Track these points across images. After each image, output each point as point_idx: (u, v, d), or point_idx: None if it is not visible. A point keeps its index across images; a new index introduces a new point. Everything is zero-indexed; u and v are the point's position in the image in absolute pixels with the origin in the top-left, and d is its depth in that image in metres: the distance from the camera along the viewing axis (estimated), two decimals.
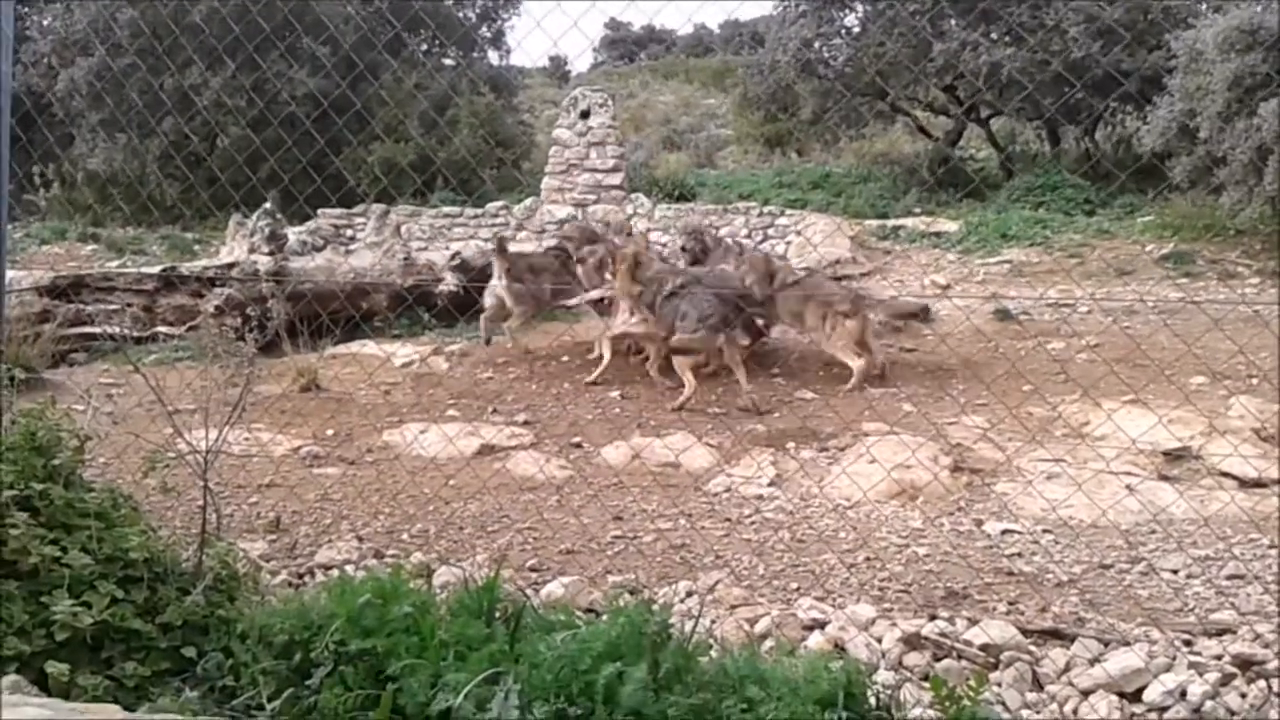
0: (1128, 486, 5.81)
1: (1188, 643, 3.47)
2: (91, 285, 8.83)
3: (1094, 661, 3.32)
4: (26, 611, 2.85)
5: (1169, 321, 9.15)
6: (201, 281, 8.90)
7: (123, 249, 14.20)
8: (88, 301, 8.69)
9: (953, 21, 17.47)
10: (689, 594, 3.78)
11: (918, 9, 16.86)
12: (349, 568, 3.99)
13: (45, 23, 19.34)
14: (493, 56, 22.33)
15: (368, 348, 8.61)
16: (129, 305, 8.76)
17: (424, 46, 20.79)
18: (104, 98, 16.77)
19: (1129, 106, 17.30)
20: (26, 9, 19.20)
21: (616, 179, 16.19)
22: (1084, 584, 4.23)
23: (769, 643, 3.35)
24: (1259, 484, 5.91)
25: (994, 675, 3.24)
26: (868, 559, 4.53)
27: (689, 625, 3.09)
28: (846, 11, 18.79)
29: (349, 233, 14.83)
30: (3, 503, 2.99)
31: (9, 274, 8.15)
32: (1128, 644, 3.39)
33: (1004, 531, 5.09)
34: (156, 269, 9.23)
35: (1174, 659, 3.34)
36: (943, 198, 17.03)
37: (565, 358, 9.19)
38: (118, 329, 8.51)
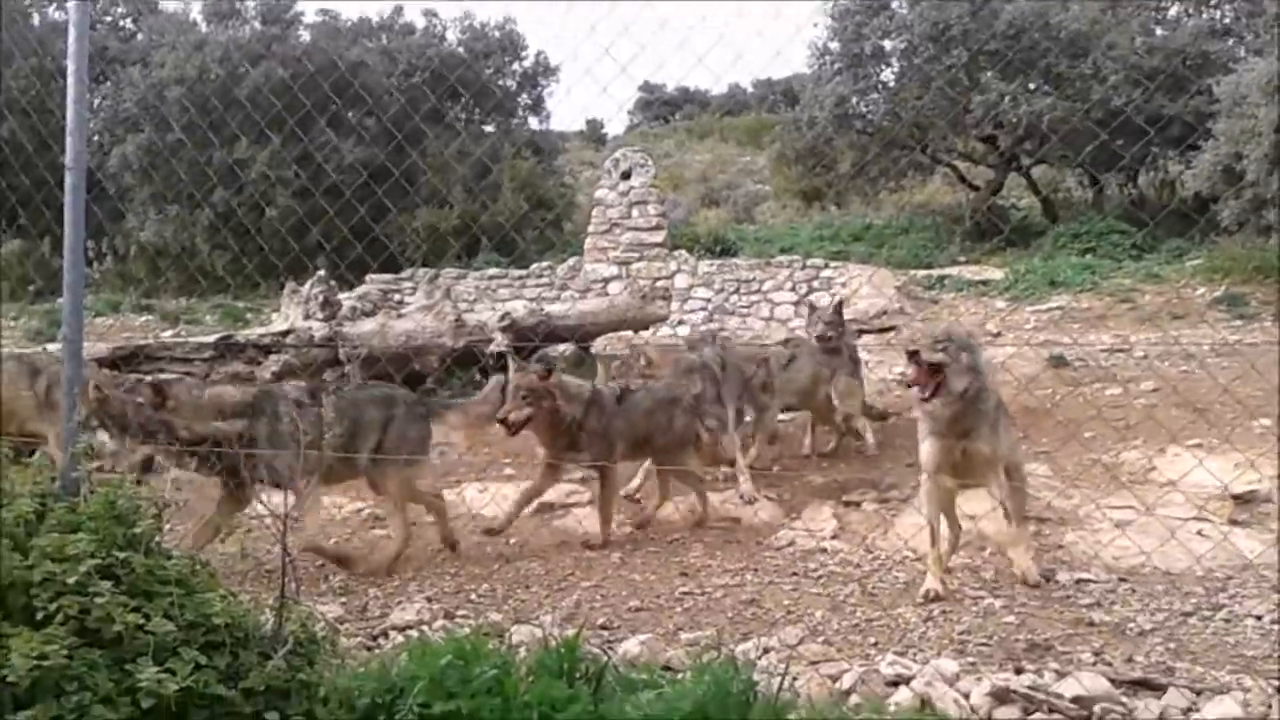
0: (1199, 532, 5.69)
1: None
2: (150, 355, 8.95)
3: (1188, 711, 3.22)
4: (111, 679, 2.86)
5: (1225, 365, 9.02)
6: (258, 349, 9.00)
7: (176, 319, 14.46)
8: (147, 371, 8.80)
9: (989, 73, 17.54)
10: (766, 650, 3.72)
11: (954, 63, 16.94)
12: (424, 629, 3.97)
13: (96, 102, 19.88)
14: (532, 122, 22.66)
15: None
16: (188, 374, 8.86)
17: (465, 114, 21.17)
18: (153, 172, 17.19)
19: (1171, 151, 17.22)
20: None
21: (659, 237, 16.32)
22: (1168, 631, 4.12)
23: (854, 699, 3.28)
24: None
25: None
26: (943, 611, 4.45)
27: (773, 682, 3.04)
28: (883, 67, 18.90)
29: (396, 297, 15.02)
30: (85, 572, 3.01)
31: (57, 349, 8.35)
32: (1222, 692, 3.29)
33: (1078, 581, 4.98)
34: (213, 337, 9.36)
35: (1270, 706, 3.24)
36: (986, 246, 16.99)
37: None
38: None
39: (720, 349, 7.40)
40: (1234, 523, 5.98)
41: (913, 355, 4.56)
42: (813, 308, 8.65)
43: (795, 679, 3.34)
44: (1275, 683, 3.41)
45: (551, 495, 6.38)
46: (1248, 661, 3.72)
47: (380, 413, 5.47)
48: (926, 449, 4.81)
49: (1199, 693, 3.31)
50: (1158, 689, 3.35)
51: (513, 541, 5.72)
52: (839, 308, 8.35)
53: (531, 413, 5.63)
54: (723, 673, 2.94)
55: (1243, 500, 6.22)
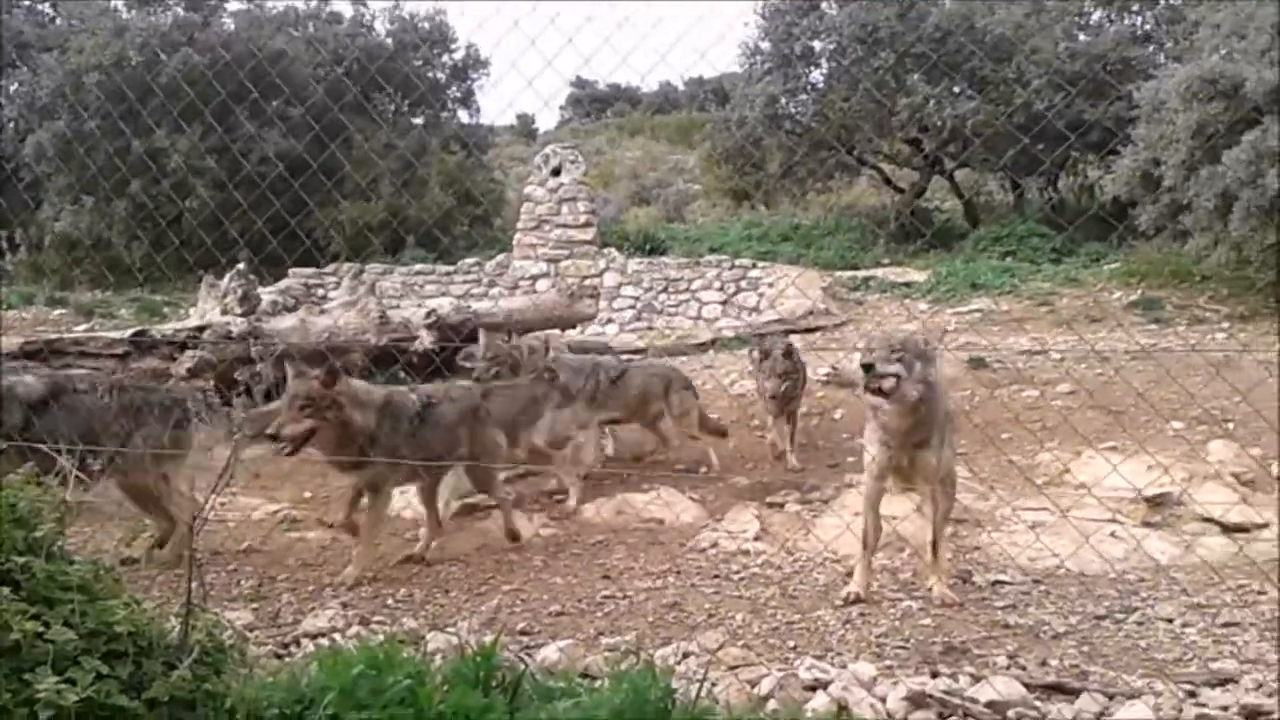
0: (1112, 534, 5.81)
1: (1192, 693, 3.43)
2: (62, 350, 8.66)
3: (1100, 715, 3.28)
4: (9, 690, 2.75)
5: (1140, 369, 9.24)
6: (173, 344, 8.76)
7: (91, 312, 14.05)
8: (59, 367, 8.53)
9: (915, 76, 17.78)
10: (686, 655, 3.71)
11: (881, 65, 17.14)
12: (336, 636, 3.89)
13: (12, 88, 19.27)
14: (462, 115, 22.46)
15: None
16: (97, 369, 8.60)
17: (393, 106, 20.90)
18: (69, 162, 16.72)
19: (1091, 156, 17.62)
20: None
21: (588, 234, 16.29)
22: (1082, 635, 4.19)
23: (772, 704, 3.28)
24: (1242, 529, 5.93)
25: None
26: (862, 614, 4.48)
27: (692, 689, 3.03)
28: (812, 68, 19.06)
29: (320, 291, 14.75)
30: None
31: None
32: (1134, 696, 3.35)
33: (994, 583, 5.05)
34: (128, 332, 9.07)
35: (1180, 710, 3.30)
36: (910, 248, 17.24)
37: None
38: None
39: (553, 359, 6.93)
40: (1147, 525, 6.12)
41: (868, 367, 4.52)
42: (765, 355, 7.87)
43: (714, 684, 3.33)
44: (1186, 686, 3.48)
45: (475, 496, 6.30)
46: (1159, 665, 3.79)
47: (127, 415, 5.15)
48: (874, 455, 4.79)
49: (1111, 697, 3.37)
50: (1071, 693, 3.40)
51: (434, 545, 5.64)
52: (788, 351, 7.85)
53: (313, 426, 4.93)
54: (640, 680, 2.91)
55: (1155, 503, 6.36)
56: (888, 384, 4.46)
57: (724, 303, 15.47)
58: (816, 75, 19.22)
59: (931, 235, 17.53)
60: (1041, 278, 14.50)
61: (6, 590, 2.87)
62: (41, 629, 2.85)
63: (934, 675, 3.53)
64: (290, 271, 14.89)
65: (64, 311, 14.07)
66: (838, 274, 15.67)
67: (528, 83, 4.31)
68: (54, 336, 9.09)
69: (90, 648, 2.92)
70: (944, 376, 4.90)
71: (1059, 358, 10.06)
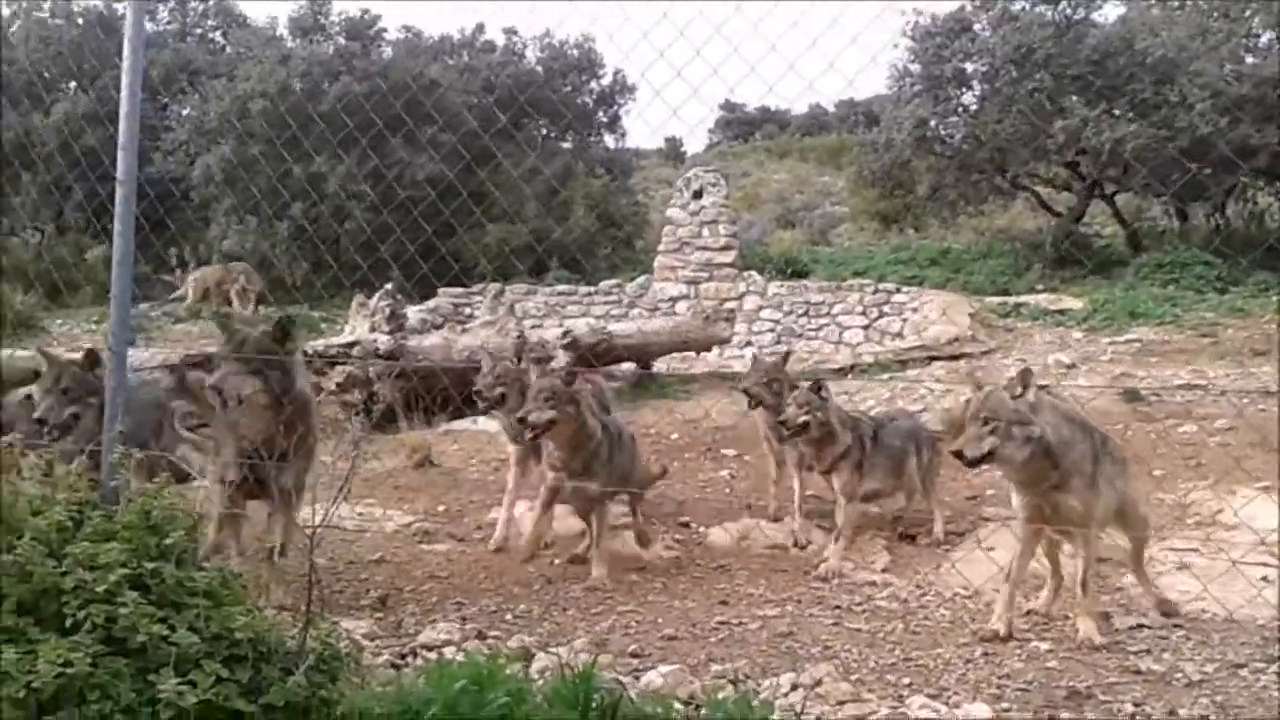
0: (1264, 578, 5.46)
1: None
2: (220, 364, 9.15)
3: None
4: (134, 689, 2.89)
5: None
6: (324, 359, 9.15)
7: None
8: None
9: (1073, 98, 17.19)
10: (794, 687, 3.65)
11: (1037, 87, 16.63)
12: (450, 649, 3.97)
13: (184, 112, 20.47)
14: (609, 139, 22.82)
15: (479, 424, 8.71)
16: None
17: (542, 131, 21.38)
18: (236, 184, 17.66)
19: (1260, 182, 16.67)
20: (167, 100, 20.40)
21: (729, 257, 16.29)
22: (1215, 684, 3.95)
23: None
24: None
25: None
26: (986, 654, 4.32)
27: None
28: (964, 90, 18.65)
29: (467, 310, 15.19)
30: (115, 581, 3.06)
31: (137, 354, 8.56)
32: None
33: (1134, 627, 4.81)
34: None
35: None
36: (1067, 274, 16.60)
37: (674, 435, 9.15)
38: None
39: None
40: None
41: (957, 454, 4.52)
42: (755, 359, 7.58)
43: (818, 719, 3.26)
44: None
45: None
46: None
47: None
48: (1015, 499, 4.78)
49: None
50: None
51: (555, 562, 5.71)
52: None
53: (555, 417, 5.35)
54: (738, 710, 2.88)
55: None
56: (985, 461, 4.46)
57: (866, 327, 15.23)
58: (968, 97, 18.81)
59: (1090, 261, 16.87)
60: (1205, 307, 13.80)
61: (136, 594, 3.03)
62: (167, 632, 3.00)
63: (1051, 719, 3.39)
64: (439, 291, 15.38)
65: None
66: (987, 300, 15.25)
67: (673, 111, 4.36)
68: (211, 351, 9.57)
69: (212, 651, 3.06)
70: (1069, 418, 4.69)
71: (1220, 392, 9.55)
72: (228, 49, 22.62)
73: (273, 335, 4.59)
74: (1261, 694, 3.87)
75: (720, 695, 3.03)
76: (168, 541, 3.31)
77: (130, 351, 9.51)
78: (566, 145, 21.45)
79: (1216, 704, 3.74)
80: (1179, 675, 4.05)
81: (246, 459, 4.53)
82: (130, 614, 2.97)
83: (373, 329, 9.98)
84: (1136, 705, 3.68)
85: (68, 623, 2.99)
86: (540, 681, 3.25)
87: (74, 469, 3.66)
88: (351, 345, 9.48)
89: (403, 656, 4.01)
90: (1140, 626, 4.83)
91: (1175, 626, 4.75)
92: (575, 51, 21.90)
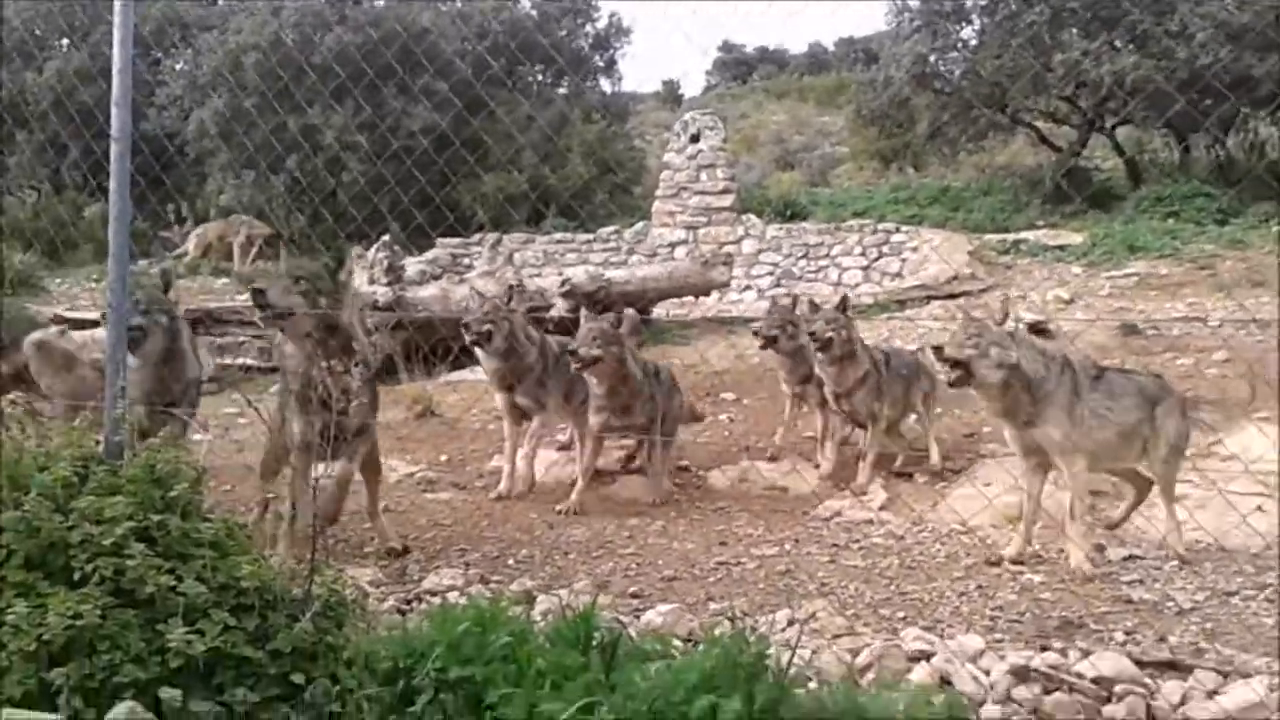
0: (1259, 508, 5.53)
1: None
2: (219, 319, 9.21)
3: (1211, 695, 3.16)
4: (143, 639, 2.96)
5: None
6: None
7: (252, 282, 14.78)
8: (217, 335, 9.08)
9: (1073, 30, 17.02)
10: (790, 623, 3.73)
11: (1035, 20, 16.45)
12: (454, 594, 4.06)
13: (177, 67, 20.30)
14: (605, 84, 22.61)
15: (478, 373, 8.76)
16: (256, 337, 9.11)
17: (537, 77, 21.20)
18: (231, 138, 17.55)
19: (1261, 112, 16.53)
20: (160, 55, 20.22)
21: (727, 200, 16.23)
22: (1205, 612, 4.04)
23: (870, 675, 3.28)
24: None
25: (1106, 709, 3.11)
26: (979, 587, 4.40)
27: (786, 656, 3.05)
28: (962, 25, 18.46)
29: (466, 261, 15.19)
30: (122, 534, 3.12)
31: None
32: (1246, 676, 3.22)
33: (1126, 558, 4.90)
34: None
35: None
36: (1067, 209, 16.53)
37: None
38: (245, 360, 8.88)
39: None
40: None
41: (937, 349, 4.80)
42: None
43: (813, 653, 3.34)
44: None
45: (601, 461, 6.41)
46: None
47: None
48: (1006, 435, 5.00)
49: (1225, 675, 3.25)
50: (1184, 670, 3.30)
51: (557, 508, 5.79)
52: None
53: (600, 354, 5.68)
54: (734, 644, 2.96)
55: None
56: (962, 369, 4.64)
57: (865, 268, 15.22)
58: (967, 32, 18.65)
59: (1090, 195, 16.80)
60: (1205, 239, 13.78)
61: (143, 546, 3.10)
62: (175, 583, 3.07)
63: (1043, 650, 3.46)
64: (438, 241, 15.37)
65: (226, 281, 14.86)
66: (986, 237, 15.22)
67: (670, 51, 4.31)
68: (215, 305, 9.63)
69: (219, 601, 3.13)
70: (1047, 354, 4.80)
71: (1217, 324, 9.57)
72: (219, 1, 22.39)
73: (327, 267, 4.78)
74: (1251, 620, 3.95)
75: (718, 631, 3.11)
76: (172, 494, 3.37)
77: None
78: (562, 91, 21.27)
79: (1206, 630, 3.82)
80: (1170, 604, 4.14)
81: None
82: (138, 565, 3.03)
83: (371, 281, 10.00)
84: (1128, 634, 3.77)
85: (75, 576, 3.05)
86: (543, 623, 3.33)
87: (78, 424, 3.72)
88: None
89: (408, 602, 4.10)
90: (1133, 557, 4.92)
91: (1168, 558, 4.83)
92: None
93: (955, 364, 4.64)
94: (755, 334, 6.89)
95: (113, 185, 3.92)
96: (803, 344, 6.61)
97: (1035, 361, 4.71)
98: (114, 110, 3.97)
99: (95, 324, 8.59)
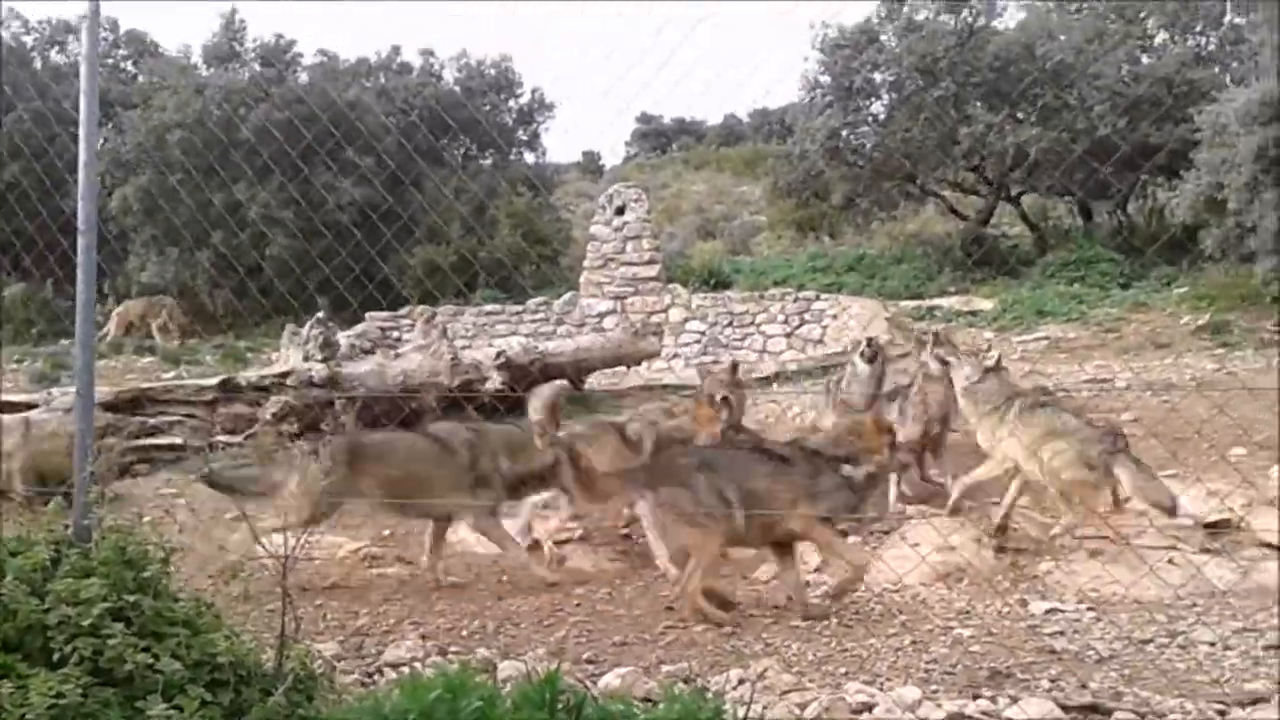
0: (1170, 560, 5.89)
1: (1221, 713, 3.57)
2: (153, 398, 9.17)
3: None
4: (123, 716, 3.06)
5: (1207, 394, 9.23)
6: (259, 390, 9.22)
7: (178, 360, 14.68)
8: (150, 415, 9.03)
9: (978, 104, 17.87)
10: (741, 681, 3.93)
11: (942, 94, 17.26)
12: (416, 665, 4.17)
13: (100, 144, 20.17)
14: (529, 157, 23.05)
15: None
16: (190, 416, 9.10)
17: (462, 150, 21.52)
18: (155, 214, 17.48)
19: (1159, 179, 17.49)
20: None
21: (653, 270, 16.60)
22: (1123, 659, 4.33)
23: None
24: None
25: None
26: (913, 642, 4.65)
27: (741, 712, 3.25)
28: (872, 100, 19.24)
29: (395, 334, 15.27)
30: (99, 615, 3.22)
31: (62, 393, 8.56)
32: (1161, 716, 3.50)
33: (1048, 611, 5.19)
34: (215, 380, 9.56)
35: None
36: (977, 276, 17.24)
37: None
38: (178, 440, 8.85)
39: None
40: (1205, 551, 6.18)
41: None
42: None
43: (765, 708, 3.54)
44: (1217, 706, 3.62)
45: (544, 534, 6.55)
46: (1194, 686, 3.93)
47: None
48: None
49: (1143, 717, 3.52)
50: (1105, 714, 3.56)
51: (504, 579, 5.92)
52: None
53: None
54: (692, 703, 3.14)
55: (1214, 529, 6.42)
56: None
57: (788, 335, 15.65)
58: (877, 107, 19.41)
59: (998, 262, 17.55)
60: (1110, 303, 14.47)
61: (120, 626, 3.20)
62: (151, 660, 3.17)
63: (975, 698, 3.71)
64: (367, 315, 15.44)
65: (151, 359, 14.72)
66: (902, 304, 15.77)
67: (597, 128, 4.59)
68: (147, 385, 9.59)
69: (195, 677, 3.24)
70: None
71: (1124, 385, 10.09)
72: (140, 78, 22.37)
73: None
74: (1165, 665, 4.26)
75: (676, 691, 3.29)
76: (144, 575, 3.48)
77: (57, 391, 9.45)
78: (487, 163, 21.63)
79: (1124, 677, 4.11)
80: (1090, 653, 4.43)
81: None
82: (117, 645, 3.13)
83: (306, 357, 10.05)
84: (1053, 681, 4.04)
85: (55, 656, 3.14)
86: (507, 689, 3.48)
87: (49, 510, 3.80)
88: (286, 375, 9.54)
89: (369, 675, 4.20)
90: (1054, 610, 5.21)
91: (1088, 610, 5.14)
92: (493, 70, 22.11)
93: None
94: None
95: (80, 275, 4.05)
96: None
97: None
98: (80, 204, 4.12)
99: (24, 407, 8.55)
